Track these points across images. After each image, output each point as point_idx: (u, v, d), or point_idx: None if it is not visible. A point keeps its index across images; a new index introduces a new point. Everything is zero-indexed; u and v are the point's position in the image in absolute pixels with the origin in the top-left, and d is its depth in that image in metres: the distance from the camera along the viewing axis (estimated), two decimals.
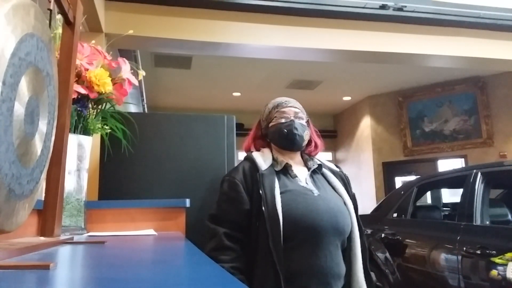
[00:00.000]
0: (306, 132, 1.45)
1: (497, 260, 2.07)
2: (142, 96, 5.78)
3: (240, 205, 1.30)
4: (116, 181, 2.09)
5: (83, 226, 1.37)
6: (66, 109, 0.96)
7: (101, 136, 1.88)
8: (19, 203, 0.67)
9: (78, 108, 1.44)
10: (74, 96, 1.39)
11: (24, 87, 0.65)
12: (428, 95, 6.64)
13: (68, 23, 0.99)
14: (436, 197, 5.06)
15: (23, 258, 0.72)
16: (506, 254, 2.05)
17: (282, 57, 4.29)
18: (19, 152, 0.65)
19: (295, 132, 1.41)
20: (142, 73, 1.80)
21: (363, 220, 1.43)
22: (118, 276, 0.60)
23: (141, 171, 2.13)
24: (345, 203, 1.35)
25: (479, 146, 6.17)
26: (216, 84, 6.36)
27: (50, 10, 0.88)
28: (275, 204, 1.24)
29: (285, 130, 1.41)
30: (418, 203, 3.36)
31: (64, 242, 1.01)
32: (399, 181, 6.59)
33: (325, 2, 3.63)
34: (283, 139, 1.42)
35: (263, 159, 1.38)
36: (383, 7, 3.73)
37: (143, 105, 6.18)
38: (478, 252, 2.22)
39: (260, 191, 1.28)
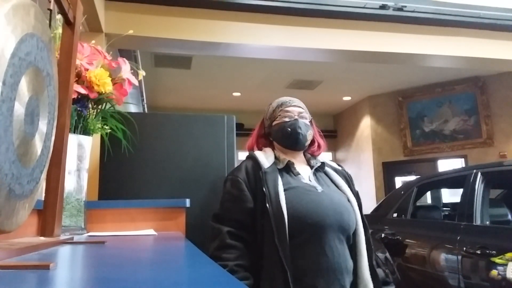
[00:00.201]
0: (309, 131, 1.45)
1: (497, 260, 2.07)
2: (142, 96, 5.78)
3: (243, 203, 1.30)
4: (116, 181, 2.09)
5: (83, 226, 1.37)
6: (66, 109, 0.96)
7: (101, 136, 1.88)
8: (19, 203, 0.67)
9: (78, 108, 1.44)
10: (74, 96, 1.39)
11: (24, 87, 0.65)
12: (428, 95, 6.64)
13: (68, 23, 0.99)
14: (436, 197, 5.06)
15: (23, 258, 0.72)
16: (506, 254, 2.05)
17: (282, 57, 4.29)
18: (19, 152, 0.65)
19: (299, 131, 1.41)
20: (142, 73, 1.81)
21: None
22: (118, 276, 0.60)
23: (141, 171, 2.13)
24: (348, 200, 1.36)
25: (479, 146, 6.17)
26: (216, 84, 6.36)
27: (50, 10, 0.88)
28: (279, 201, 1.24)
29: (289, 129, 1.41)
30: (418, 203, 3.36)
31: (64, 242, 1.01)
32: (399, 181, 6.59)
33: (325, 2, 3.63)
34: (287, 138, 1.42)
35: (265, 157, 1.39)
36: (383, 7, 3.73)
37: (143, 105, 6.18)
38: (478, 252, 2.22)
39: (264, 189, 1.28)
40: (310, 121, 1.49)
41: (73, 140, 1.39)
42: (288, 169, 1.38)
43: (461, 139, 6.35)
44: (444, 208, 3.69)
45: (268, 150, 1.44)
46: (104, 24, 3.20)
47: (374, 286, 1.27)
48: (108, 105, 1.69)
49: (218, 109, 7.44)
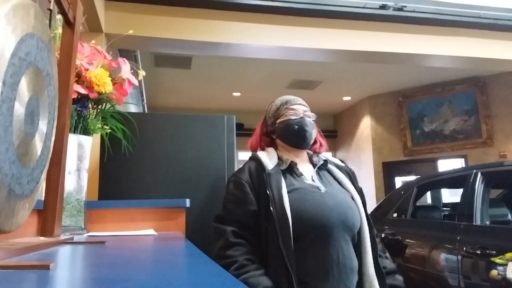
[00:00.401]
0: (314, 130, 1.44)
1: (497, 260, 2.07)
2: (142, 96, 5.78)
3: (247, 205, 1.29)
4: (116, 181, 2.09)
5: (83, 226, 1.37)
6: (66, 109, 0.96)
7: (101, 136, 1.88)
8: (19, 203, 0.67)
9: (78, 108, 1.44)
10: (74, 96, 1.39)
11: (24, 87, 0.65)
12: (428, 95, 6.64)
13: (68, 23, 0.99)
14: (436, 197, 5.06)
15: (23, 258, 0.72)
16: (506, 254, 2.05)
17: (282, 57, 4.29)
18: (19, 152, 0.65)
19: (306, 128, 1.40)
20: (142, 73, 1.81)
21: None
22: (118, 276, 0.60)
23: (141, 171, 2.13)
24: (352, 198, 1.35)
25: (479, 146, 6.17)
26: (216, 84, 6.36)
27: (50, 10, 0.88)
28: (283, 204, 1.23)
29: (296, 127, 1.39)
30: (418, 203, 3.36)
31: (64, 242, 1.01)
32: (399, 181, 6.59)
33: (325, 2, 3.63)
34: (294, 135, 1.40)
35: (268, 158, 1.37)
36: (383, 7, 3.73)
37: (143, 105, 6.18)
38: (478, 252, 2.22)
39: (268, 192, 1.26)
40: (313, 120, 1.48)
41: (73, 140, 1.39)
42: (291, 169, 1.37)
43: (461, 139, 6.35)
44: (444, 208, 3.69)
45: (271, 150, 1.42)
46: (104, 24, 3.20)
47: (379, 283, 1.27)
48: (108, 105, 1.69)
49: (218, 109, 7.44)
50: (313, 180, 1.36)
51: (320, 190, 1.31)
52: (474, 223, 2.44)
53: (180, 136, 2.22)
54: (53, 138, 0.84)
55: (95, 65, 1.49)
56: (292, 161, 1.38)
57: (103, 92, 1.48)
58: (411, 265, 2.78)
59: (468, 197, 2.57)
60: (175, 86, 6.42)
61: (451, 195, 4.76)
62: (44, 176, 0.81)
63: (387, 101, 6.99)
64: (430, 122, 6.64)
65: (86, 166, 1.44)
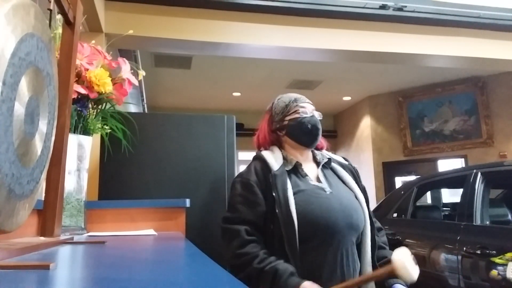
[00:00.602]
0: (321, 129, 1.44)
1: (497, 260, 2.07)
2: (142, 96, 5.78)
3: (258, 207, 1.27)
4: (116, 181, 2.09)
5: (83, 226, 1.37)
6: (66, 109, 0.96)
7: (101, 136, 1.88)
8: (19, 203, 0.67)
9: (78, 108, 1.44)
10: (74, 96, 1.39)
11: (24, 87, 0.65)
12: (428, 95, 6.64)
13: (68, 23, 0.99)
14: (436, 197, 5.06)
15: (23, 258, 0.72)
16: (506, 254, 2.05)
17: (282, 57, 4.28)
18: (19, 152, 0.65)
19: (319, 127, 1.39)
20: (142, 73, 1.81)
21: None
22: (118, 276, 0.60)
23: (141, 171, 2.13)
24: (356, 198, 1.35)
25: (479, 146, 6.17)
26: (216, 84, 6.36)
27: (50, 10, 0.88)
28: (289, 206, 1.22)
29: (309, 125, 1.37)
30: (418, 203, 3.36)
31: (64, 242, 1.01)
32: (399, 181, 6.59)
33: (325, 2, 3.63)
34: (306, 134, 1.38)
35: (274, 159, 1.35)
36: (383, 7, 3.73)
37: (143, 105, 6.18)
38: (478, 252, 2.22)
39: (274, 193, 1.25)
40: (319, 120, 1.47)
41: (73, 140, 1.39)
42: (296, 170, 1.35)
43: (461, 139, 6.35)
44: (444, 208, 3.69)
45: (276, 150, 1.40)
46: (104, 24, 3.20)
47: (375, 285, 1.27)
48: (108, 105, 1.69)
49: (218, 109, 7.44)
50: (318, 181, 1.35)
51: (325, 191, 1.30)
52: (474, 223, 2.44)
53: (180, 136, 2.22)
54: (53, 138, 0.84)
55: (95, 65, 1.49)
56: (297, 162, 1.36)
57: (103, 92, 1.48)
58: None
59: (468, 197, 2.57)
60: (175, 86, 6.42)
61: (451, 195, 4.76)
62: (44, 176, 0.81)
63: (387, 101, 6.99)
64: (430, 122, 6.64)
65: (86, 166, 1.44)
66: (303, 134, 1.39)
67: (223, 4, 3.52)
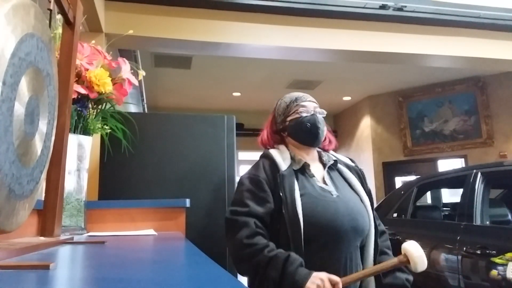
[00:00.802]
0: (325, 127, 1.42)
1: (497, 260, 2.07)
2: (142, 96, 5.78)
3: (267, 203, 1.27)
4: (116, 181, 2.10)
5: (83, 226, 1.37)
6: (66, 109, 0.96)
7: (101, 136, 1.88)
8: (19, 203, 0.67)
9: (78, 108, 1.44)
10: (74, 96, 1.39)
11: (24, 87, 0.65)
12: (428, 95, 6.64)
13: (68, 23, 0.99)
14: (436, 197, 5.05)
15: (23, 258, 0.72)
16: (506, 254, 2.05)
17: (282, 57, 4.28)
18: (19, 152, 0.65)
19: (319, 126, 1.37)
20: (142, 73, 1.81)
21: None
22: (118, 276, 0.60)
23: (141, 171, 2.13)
24: (362, 201, 1.34)
25: (479, 146, 6.17)
26: (216, 84, 6.36)
27: (50, 10, 0.88)
28: (295, 208, 1.22)
29: (308, 124, 1.37)
30: (418, 203, 3.36)
31: (64, 242, 1.01)
32: (399, 181, 6.59)
33: (325, 2, 3.63)
34: (306, 133, 1.38)
35: (282, 158, 1.35)
36: (383, 7, 3.73)
37: (143, 105, 6.18)
38: (478, 252, 2.22)
39: (281, 194, 1.25)
40: (324, 117, 1.45)
41: (73, 140, 1.39)
42: (303, 170, 1.35)
43: (461, 139, 6.35)
44: (444, 208, 3.69)
45: (283, 149, 1.40)
46: (104, 24, 3.20)
47: (376, 283, 1.27)
48: (108, 105, 1.69)
49: (218, 109, 7.44)
50: (324, 182, 1.34)
51: (331, 194, 1.30)
52: (474, 223, 2.44)
53: (180, 136, 2.22)
54: (53, 138, 0.84)
55: (95, 65, 1.49)
56: (305, 162, 1.36)
57: (103, 92, 1.48)
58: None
59: (468, 197, 2.57)
60: (175, 86, 6.42)
61: (451, 195, 4.76)
62: (44, 176, 0.81)
63: (387, 101, 6.99)
64: (430, 122, 6.64)
65: (86, 166, 1.45)
66: (303, 134, 1.38)
67: (223, 4, 3.52)
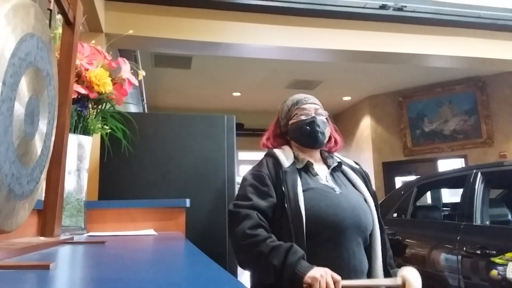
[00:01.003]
0: (327, 129, 1.44)
1: (497, 260, 2.07)
2: (142, 96, 5.78)
3: (269, 198, 1.29)
4: (116, 181, 2.10)
5: (83, 226, 1.37)
6: (66, 109, 0.96)
7: (101, 136, 1.88)
8: (19, 203, 0.67)
9: (78, 108, 1.44)
10: (74, 96, 1.39)
11: (24, 87, 0.65)
12: (428, 95, 6.64)
13: (68, 23, 0.99)
14: (436, 197, 5.05)
15: (23, 258, 0.72)
16: (506, 254, 2.05)
17: (282, 57, 4.28)
18: (19, 152, 0.65)
19: (317, 129, 1.39)
20: (142, 73, 1.81)
21: None
22: (118, 276, 0.60)
23: (141, 171, 2.13)
24: (366, 201, 1.35)
25: (479, 146, 6.17)
26: (216, 84, 6.36)
27: (50, 10, 0.88)
28: (298, 202, 1.24)
29: (307, 128, 1.39)
30: (418, 203, 3.36)
31: (64, 242, 1.01)
32: (399, 181, 6.59)
33: (325, 2, 3.63)
34: (305, 136, 1.40)
35: (285, 157, 1.37)
36: (383, 7, 3.73)
37: (143, 105, 6.18)
38: (478, 252, 2.22)
39: (283, 189, 1.27)
40: (326, 118, 1.47)
41: (73, 140, 1.39)
42: (306, 169, 1.37)
43: (461, 139, 6.35)
44: (444, 208, 3.69)
45: (287, 149, 1.42)
46: (104, 24, 3.20)
47: (387, 287, 1.27)
48: (108, 105, 1.69)
49: (218, 109, 7.44)
50: (327, 181, 1.36)
51: (335, 191, 1.32)
52: (474, 223, 2.44)
53: (180, 136, 2.22)
54: (53, 138, 0.84)
55: (95, 65, 1.49)
56: (308, 161, 1.38)
57: (103, 92, 1.48)
58: (411, 265, 2.77)
59: (468, 197, 2.57)
60: (175, 86, 6.42)
61: (451, 195, 4.76)
62: (44, 176, 0.81)
63: (387, 101, 6.99)
64: (430, 122, 6.64)
65: (86, 166, 1.45)
66: (303, 137, 1.41)
67: (223, 4, 3.52)
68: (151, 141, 2.18)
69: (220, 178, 2.21)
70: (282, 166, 1.33)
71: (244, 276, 1.56)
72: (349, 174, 1.43)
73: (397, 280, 1.17)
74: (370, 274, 1.29)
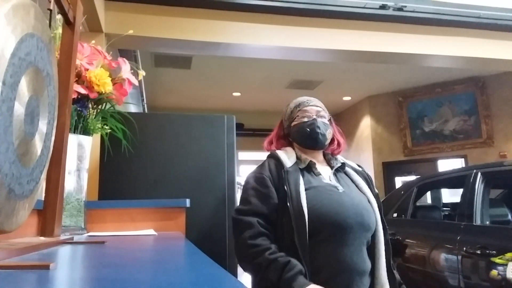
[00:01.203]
0: (328, 130, 1.45)
1: (497, 260, 2.07)
2: (142, 96, 5.78)
3: (270, 199, 1.30)
4: (116, 181, 2.10)
5: (83, 226, 1.37)
6: (66, 109, 0.96)
7: (101, 136, 1.88)
8: (19, 203, 0.67)
9: (78, 108, 1.44)
10: (74, 96, 1.39)
11: (24, 87, 0.65)
12: (428, 95, 6.64)
13: (68, 23, 0.99)
14: (436, 197, 5.05)
15: (23, 258, 0.72)
16: (506, 254, 2.05)
17: (282, 57, 4.28)
18: (19, 152, 0.65)
19: (318, 131, 1.41)
20: (142, 73, 1.81)
21: None
22: (118, 276, 0.60)
23: (141, 171, 2.13)
24: (369, 201, 1.36)
25: (479, 146, 6.17)
26: (216, 84, 6.36)
27: (50, 10, 0.88)
28: (300, 201, 1.25)
29: (308, 129, 1.41)
30: (418, 203, 3.36)
31: (64, 242, 1.01)
32: (399, 181, 6.59)
33: (325, 2, 3.63)
34: (306, 138, 1.42)
35: (287, 157, 1.39)
36: (383, 7, 3.73)
37: (143, 105, 6.18)
38: (478, 252, 2.22)
39: (285, 188, 1.28)
40: (329, 120, 1.49)
41: (73, 140, 1.39)
42: (309, 169, 1.39)
43: (461, 139, 6.35)
44: (444, 208, 3.69)
45: (290, 150, 1.44)
46: (104, 24, 3.20)
47: (390, 287, 1.27)
48: (108, 105, 1.69)
49: (218, 109, 7.44)
50: (330, 180, 1.37)
51: (337, 189, 1.33)
52: (474, 223, 2.44)
53: (180, 136, 2.22)
54: (53, 138, 0.84)
55: (95, 65, 1.49)
56: (311, 161, 1.39)
57: (103, 92, 1.48)
58: (411, 265, 2.78)
59: (468, 197, 2.57)
60: (175, 86, 6.42)
61: (451, 195, 4.76)
62: (44, 176, 0.81)
63: (387, 101, 6.99)
64: (430, 122, 6.64)
65: (86, 166, 1.44)
66: (304, 138, 1.43)
67: (223, 4, 3.52)
68: (151, 141, 2.18)
69: (220, 178, 2.21)
70: (284, 166, 1.35)
71: (244, 276, 1.56)
72: (352, 176, 1.44)
73: None
74: (373, 274, 1.29)
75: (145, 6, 3.41)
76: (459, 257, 2.35)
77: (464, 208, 2.57)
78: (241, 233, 1.25)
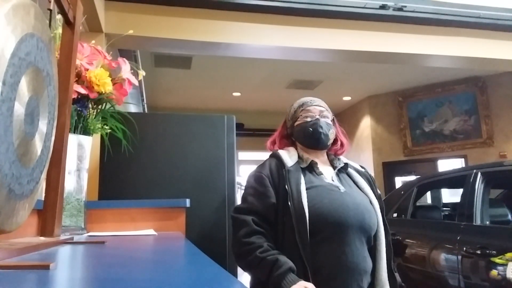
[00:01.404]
0: (331, 130, 1.46)
1: (497, 260, 2.07)
2: (142, 96, 5.78)
3: (267, 199, 1.31)
4: (116, 181, 2.10)
5: (83, 226, 1.37)
6: (66, 109, 0.96)
7: (101, 136, 1.88)
8: (19, 203, 0.67)
9: (78, 108, 1.44)
10: (74, 96, 1.39)
11: (24, 87, 0.65)
12: (428, 95, 6.64)
13: (68, 23, 0.99)
14: (436, 197, 5.05)
15: (23, 258, 0.72)
16: (506, 254, 2.05)
17: (282, 57, 4.28)
18: (19, 152, 0.65)
19: (320, 130, 1.42)
20: (142, 73, 1.81)
21: None
22: (118, 276, 0.60)
23: (141, 171, 2.13)
24: (371, 202, 1.36)
25: (479, 146, 6.17)
26: (216, 84, 6.36)
27: (50, 10, 0.88)
28: (301, 200, 1.25)
29: (310, 129, 1.42)
30: (418, 203, 3.36)
31: (64, 242, 1.01)
32: (399, 181, 6.59)
33: (325, 2, 3.63)
34: (309, 137, 1.43)
35: (289, 156, 1.40)
36: (383, 7, 3.73)
37: (143, 105, 6.18)
38: (478, 252, 2.22)
39: (286, 187, 1.29)
40: (332, 120, 1.50)
41: (73, 140, 1.39)
42: (311, 168, 1.39)
43: (461, 139, 6.35)
44: (444, 208, 3.69)
45: (292, 149, 1.45)
46: (104, 24, 3.20)
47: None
48: (108, 105, 1.69)
49: (218, 109, 7.44)
50: (332, 180, 1.38)
51: (339, 189, 1.33)
52: (474, 223, 2.44)
53: (180, 136, 2.22)
54: (53, 138, 0.84)
55: (95, 65, 1.49)
56: (312, 160, 1.40)
57: (103, 92, 1.48)
58: (411, 265, 2.78)
59: (468, 197, 2.57)
60: (175, 86, 6.42)
61: (451, 195, 4.76)
62: (44, 176, 0.81)
63: (387, 101, 6.99)
64: (430, 122, 6.64)
65: (86, 166, 1.44)
66: (307, 138, 1.43)
67: (223, 4, 3.52)
68: (151, 141, 2.18)
69: (220, 178, 2.21)
70: (285, 165, 1.35)
71: (244, 276, 1.57)
72: (354, 177, 1.44)
73: None
74: (374, 275, 1.29)
75: (145, 6, 3.41)
76: (459, 257, 2.35)
77: (464, 208, 2.57)
78: (237, 231, 1.27)
